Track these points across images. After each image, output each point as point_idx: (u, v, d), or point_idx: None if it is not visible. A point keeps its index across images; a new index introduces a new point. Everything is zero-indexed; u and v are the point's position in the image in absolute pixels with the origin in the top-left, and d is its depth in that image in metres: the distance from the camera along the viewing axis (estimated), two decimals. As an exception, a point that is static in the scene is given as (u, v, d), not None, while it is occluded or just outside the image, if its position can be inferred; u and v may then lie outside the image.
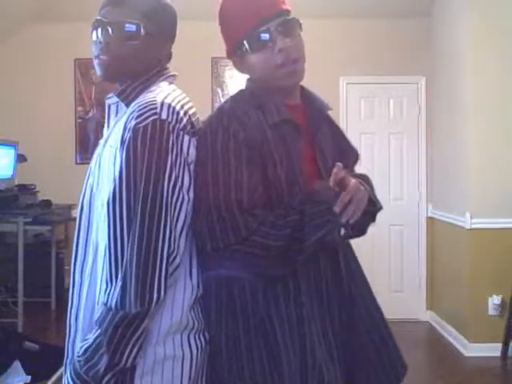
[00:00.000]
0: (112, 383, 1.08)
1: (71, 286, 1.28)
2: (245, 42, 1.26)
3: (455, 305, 4.32)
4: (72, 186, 5.01)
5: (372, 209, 1.34)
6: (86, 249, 1.26)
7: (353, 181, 1.20)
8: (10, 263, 4.59)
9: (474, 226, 3.97)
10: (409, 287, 4.99)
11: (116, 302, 1.08)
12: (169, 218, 1.11)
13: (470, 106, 4.03)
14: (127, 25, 1.23)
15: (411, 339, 4.45)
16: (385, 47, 4.94)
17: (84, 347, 1.11)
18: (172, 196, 1.12)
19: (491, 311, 3.98)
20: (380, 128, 5.00)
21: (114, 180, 1.13)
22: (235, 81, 5.09)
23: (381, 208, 1.39)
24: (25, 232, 4.49)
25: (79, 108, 5.19)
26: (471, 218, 3.97)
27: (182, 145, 1.16)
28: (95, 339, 1.09)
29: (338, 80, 4.91)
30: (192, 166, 1.19)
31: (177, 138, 1.15)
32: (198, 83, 4.74)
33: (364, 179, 1.34)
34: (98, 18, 1.25)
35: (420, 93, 5.00)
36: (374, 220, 1.40)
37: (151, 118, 1.13)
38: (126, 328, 1.07)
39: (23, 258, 4.30)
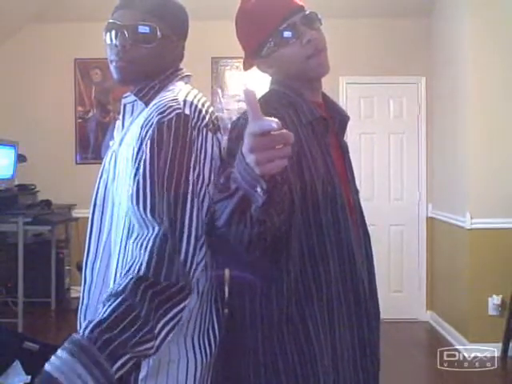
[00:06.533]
0: (127, 367, 0.96)
1: (82, 284, 1.26)
2: (271, 40, 1.27)
3: (455, 305, 4.31)
4: (72, 186, 5.07)
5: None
6: (97, 247, 1.25)
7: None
8: (10, 263, 4.59)
9: (473, 226, 3.97)
10: (408, 287, 4.99)
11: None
12: (195, 205, 1.09)
13: (469, 105, 4.03)
14: (143, 27, 1.22)
15: (411, 339, 4.45)
16: (385, 47, 4.95)
17: (95, 322, 0.96)
18: (197, 185, 1.11)
19: (491, 311, 3.98)
20: (380, 128, 5.00)
21: (137, 175, 1.12)
22: (235, 81, 5.10)
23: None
24: (25, 232, 4.50)
25: (79, 108, 5.17)
26: (471, 218, 3.97)
27: (205, 142, 1.15)
28: (113, 310, 0.97)
29: (337, 80, 4.91)
30: (214, 163, 1.17)
31: (198, 134, 1.14)
32: (197, 83, 4.71)
33: None
34: (112, 21, 1.24)
35: (420, 93, 5.00)
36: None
37: (175, 112, 1.13)
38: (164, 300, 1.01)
39: (23, 258, 4.31)
